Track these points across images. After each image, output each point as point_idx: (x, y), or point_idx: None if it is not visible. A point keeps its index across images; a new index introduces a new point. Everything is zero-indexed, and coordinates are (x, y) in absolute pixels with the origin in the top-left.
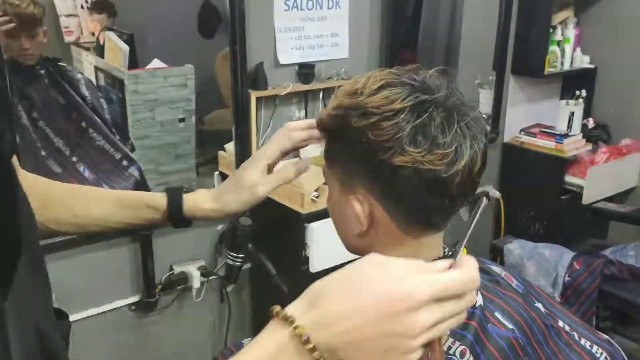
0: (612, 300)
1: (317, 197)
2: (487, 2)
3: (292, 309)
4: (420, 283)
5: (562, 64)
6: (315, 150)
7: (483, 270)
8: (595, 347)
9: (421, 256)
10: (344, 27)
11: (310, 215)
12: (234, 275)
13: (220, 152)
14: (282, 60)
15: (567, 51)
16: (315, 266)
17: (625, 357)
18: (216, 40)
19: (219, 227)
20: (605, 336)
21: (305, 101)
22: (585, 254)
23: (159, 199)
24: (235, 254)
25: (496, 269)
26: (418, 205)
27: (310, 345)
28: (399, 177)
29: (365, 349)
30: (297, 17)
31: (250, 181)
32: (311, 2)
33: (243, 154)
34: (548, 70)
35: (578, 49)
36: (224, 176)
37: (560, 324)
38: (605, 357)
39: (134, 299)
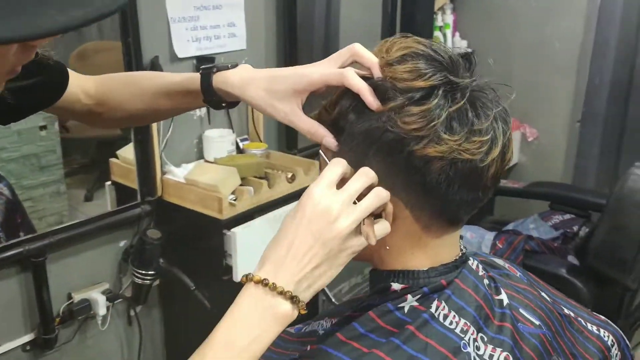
0: (535, 274)
1: (234, 201)
2: None
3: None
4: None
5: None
6: (222, 151)
7: (490, 265)
8: (602, 331)
9: (442, 256)
10: (240, 16)
11: (229, 221)
12: (143, 295)
13: (113, 160)
14: (180, 53)
15: (448, 36)
16: (239, 275)
17: (625, 336)
18: (70, 36)
19: (122, 244)
20: (603, 317)
21: None
22: (505, 232)
23: (198, 84)
24: (144, 272)
25: (499, 261)
26: (449, 200)
27: (280, 289)
28: (431, 170)
29: (320, 266)
30: (191, 5)
31: (278, 103)
32: None
33: (144, 161)
34: None
35: (457, 34)
36: (117, 186)
37: (566, 311)
38: (612, 340)
39: (28, 337)
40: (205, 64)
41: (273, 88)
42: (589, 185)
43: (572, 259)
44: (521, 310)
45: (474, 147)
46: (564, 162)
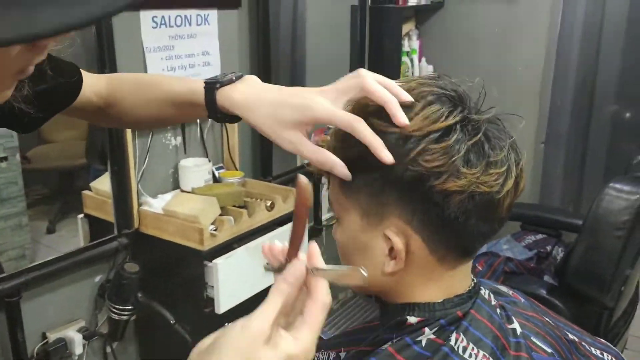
0: None
1: (215, 231)
2: (333, 17)
3: None
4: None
5: (412, 73)
6: (198, 180)
7: (497, 293)
8: (605, 355)
9: (456, 287)
10: (214, 45)
11: (210, 251)
12: (119, 331)
13: (86, 192)
14: None
15: (415, 61)
16: (221, 307)
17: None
18: None
19: (98, 279)
20: (603, 340)
21: (182, 126)
22: (482, 254)
23: (202, 97)
24: (121, 307)
25: (502, 288)
26: (466, 233)
27: None
28: (450, 204)
29: None
30: (165, 34)
31: (284, 132)
32: (180, 19)
33: (121, 192)
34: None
35: (423, 59)
36: (90, 219)
37: (571, 336)
38: None
39: None
40: None
41: (278, 116)
42: (554, 203)
43: (548, 278)
44: (533, 339)
45: (491, 179)
46: (531, 182)
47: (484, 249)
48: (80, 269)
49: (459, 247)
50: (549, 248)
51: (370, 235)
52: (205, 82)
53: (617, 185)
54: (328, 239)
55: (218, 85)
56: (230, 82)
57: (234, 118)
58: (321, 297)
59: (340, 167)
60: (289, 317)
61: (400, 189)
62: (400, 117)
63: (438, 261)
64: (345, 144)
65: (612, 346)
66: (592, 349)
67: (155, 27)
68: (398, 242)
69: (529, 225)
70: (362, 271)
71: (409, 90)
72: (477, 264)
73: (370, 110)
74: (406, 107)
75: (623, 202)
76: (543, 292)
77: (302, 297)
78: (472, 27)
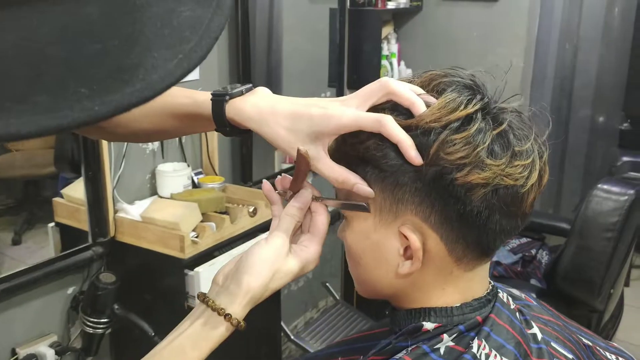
0: None
1: (197, 238)
2: (311, 20)
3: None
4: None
5: (392, 77)
6: (177, 186)
7: (512, 296)
8: (620, 359)
9: (475, 291)
10: None
11: (191, 260)
12: (94, 346)
13: (57, 200)
14: None
15: (394, 65)
16: None
17: None
18: None
19: (70, 290)
20: (615, 344)
21: None
22: None
23: (209, 110)
24: (96, 320)
25: (515, 291)
26: (487, 230)
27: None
28: (473, 199)
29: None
30: None
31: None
32: None
33: (96, 199)
34: None
35: (402, 63)
36: (62, 227)
37: (585, 340)
38: None
39: None
40: None
41: (296, 128)
42: (535, 206)
43: (534, 282)
44: (553, 344)
45: (516, 171)
46: None
47: None
48: (51, 280)
49: (479, 246)
50: (533, 251)
51: (383, 234)
52: (212, 94)
53: (606, 187)
54: None
55: (227, 98)
56: (240, 94)
57: (244, 132)
58: (324, 217)
59: (361, 186)
60: (295, 236)
61: (418, 183)
62: (415, 158)
63: (456, 262)
64: (355, 138)
65: (624, 350)
66: (607, 353)
67: None
68: (415, 240)
69: None
70: (365, 205)
71: (423, 85)
72: None
73: (383, 107)
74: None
75: (612, 204)
76: (533, 296)
77: (307, 220)
78: (451, 31)
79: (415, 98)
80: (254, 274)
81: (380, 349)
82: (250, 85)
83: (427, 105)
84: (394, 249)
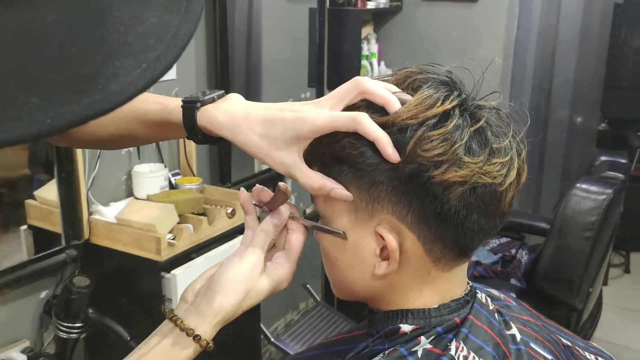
0: None
1: (173, 240)
2: (290, 19)
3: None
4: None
5: (372, 77)
6: (154, 187)
7: (491, 297)
8: (600, 359)
9: (453, 291)
10: None
11: (167, 262)
12: (68, 351)
13: (29, 202)
14: None
15: (374, 65)
16: None
17: None
18: None
19: (43, 294)
20: (594, 344)
21: None
22: None
23: (179, 117)
24: (69, 324)
25: (494, 291)
26: (465, 229)
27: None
28: (450, 197)
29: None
30: None
31: (277, 153)
32: None
33: (69, 201)
34: None
35: (382, 63)
36: (35, 230)
37: (564, 341)
38: None
39: None
40: None
41: (270, 134)
42: (514, 206)
43: (514, 282)
44: (532, 345)
45: (494, 169)
46: None
47: None
48: (23, 284)
49: (457, 246)
50: (513, 251)
51: (359, 233)
52: (183, 101)
53: (585, 186)
54: None
55: (198, 105)
56: (212, 101)
57: (217, 140)
58: (300, 235)
59: (339, 191)
60: (268, 252)
61: (394, 182)
62: (392, 155)
63: (433, 262)
64: (331, 137)
65: (604, 350)
66: (586, 353)
67: None
68: (391, 240)
69: None
70: (342, 233)
71: (398, 82)
72: None
73: (358, 106)
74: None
75: (591, 203)
76: (513, 295)
77: (282, 236)
78: (431, 31)
79: (389, 96)
80: (227, 293)
81: (358, 352)
82: (223, 91)
83: (402, 102)
84: (370, 249)
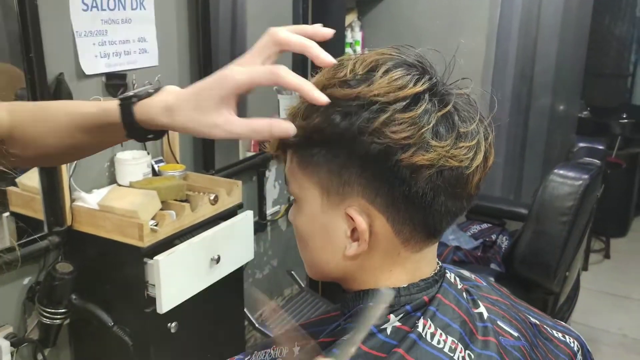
0: None
1: (156, 226)
2: (274, 7)
3: None
4: None
5: None
6: (137, 174)
7: (461, 277)
8: (567, 337)
9: (422, 271)
10: (151, 31)
11: (150, 248)
12: (52, 337)
13: (11, 189)
14: (87, 70)
15: (358, 52)
16: (164, 306)
17: (585, 341)
18: None
19: (26, 281)
20: (563, 323)
21: None
22: None
23: (114, 112)
24: (53, 310)
25: (465, 272)
26: (433, 211)
27: None
28: (418, 180)
29: None
30: (98, 18)
31: (210, 118)
32: (113, 2)
33: (51, 188)
34: None
35: (366, 50)
36: (17, 217)
37: (532, 319)
38: (577, 345)
39: None
40: (116, 82)
41: (201, 105)
42: (495, 192)
43: (494, 266)
44: (499, 323)
45: (461, 153)
46: None
47: None
48: (5, 271)
49: (425, 228)
50: (494, 237)
51: (330, 215)
52: (119, 99)
53: (562, 172)
54: (273, 234)
55: (135, 100)
56: (147, 95)
57: (158, 134)
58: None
59: (280, 124)
60: None
61: (364, 164)
62: (324, 57)
63: (403, 243)
64: (304, 120)
65: (572, 329)
66: (554, 332)
67: (87, 10)
68: (361, 222)
69: (474, 214)
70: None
71: (370, 63)
72: None
73: (333, 84)
74: (369, 78)
75: (567, 188)
76: (491, 279)
77: None
78: (414, 18)
79: (307, 41)
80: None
81: (330, 331)
82: (158, 86)
83: (352, 80)
84: (341, 231)
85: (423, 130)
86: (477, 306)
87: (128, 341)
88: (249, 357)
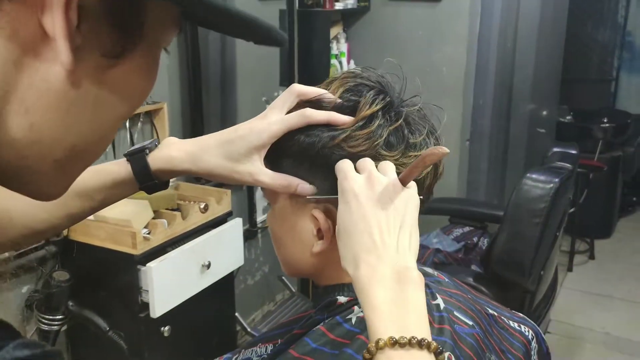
0: None
1: (149, 234)
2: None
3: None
4: None
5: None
6: None
7: (424, 274)
8: (522, 327)
9: None
10: None
11: (143, 256)
12: (50, 342)
13: None
14: None
15: (344, 64)
16: (157, 311)
17: (541, 331)
18: None
19: (25, 289)
20: (521, 314)
21: None
22: None
23: (124, 171)
24: (51, 317)
25: (428, 269)
26: None
27: None
28: None
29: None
30: None
31: (243, 166)
32: None
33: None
34: None
35: (352, 61)
36: None
37: (490, 311)
38: (531, 334)
39: None
40: None
41: (231, 152)
42: (480, 197)
43: (475, 267)
44: (455, 313)
45: (410, 161)
46: (458, 177)
47: None
48: (5, 280)
49: None
50: (475, 239)
51: (299, 216)
52: (126, 155)
53: (534, 176)
54: (263, 241)
55: (147, 152)
56: (155, 146)
57: (164, 185)
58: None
59: (303, 185)
60: None
61: (325, 171)
62: (346, 119)
63: None
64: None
65: (528, 319)
66: (510, 322)
67: None
68: (324, 222)
69: (457, 218)
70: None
71: (340, 86)
72: None
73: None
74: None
75: (539, 191)
76: (470, 279)
77: None
78: (397, 30)
79: (320, 91)
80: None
81: (302, 323)
82: (157, 139)
83: (329, 100)
84: (309, 230)
85: (376, 142)
86: (435, 298)
87: (123, 345)
88: (236, 355)
